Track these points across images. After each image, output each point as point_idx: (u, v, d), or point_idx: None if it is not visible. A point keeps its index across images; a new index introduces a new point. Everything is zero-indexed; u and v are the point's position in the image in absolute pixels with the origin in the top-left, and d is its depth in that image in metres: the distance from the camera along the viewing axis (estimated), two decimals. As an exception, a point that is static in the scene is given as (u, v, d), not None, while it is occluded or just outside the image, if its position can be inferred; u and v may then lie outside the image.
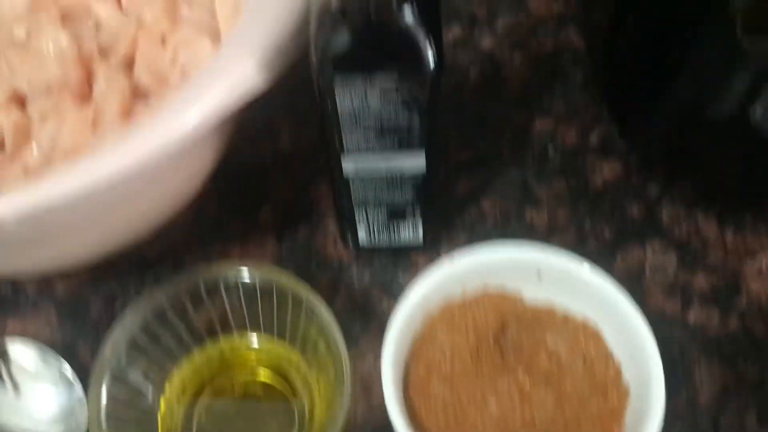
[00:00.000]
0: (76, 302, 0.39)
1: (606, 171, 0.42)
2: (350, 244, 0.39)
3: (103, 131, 0.36)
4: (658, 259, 0.39)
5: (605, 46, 0.42)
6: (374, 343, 0.37)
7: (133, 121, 0.36)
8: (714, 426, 0.35)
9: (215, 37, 0.39)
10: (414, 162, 0.33)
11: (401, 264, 0.40)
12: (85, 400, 0.33)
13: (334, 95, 0.29)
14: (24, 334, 0.38)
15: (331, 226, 0.41)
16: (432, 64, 0.28)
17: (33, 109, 0.38)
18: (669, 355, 0.36)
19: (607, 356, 0.32)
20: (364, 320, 0.38)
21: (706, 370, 0.36)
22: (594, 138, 0.43)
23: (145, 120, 0.28)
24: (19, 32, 0.38)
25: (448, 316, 0.32)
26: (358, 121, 0.30)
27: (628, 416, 0.30)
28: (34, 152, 0.37)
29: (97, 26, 0.40)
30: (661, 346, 0.35)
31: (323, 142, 0.32)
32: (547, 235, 0.40)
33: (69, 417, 0.34)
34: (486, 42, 0.48)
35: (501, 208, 0.41)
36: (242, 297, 0.34)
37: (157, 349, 0.34)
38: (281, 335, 0.35)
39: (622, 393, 0.31)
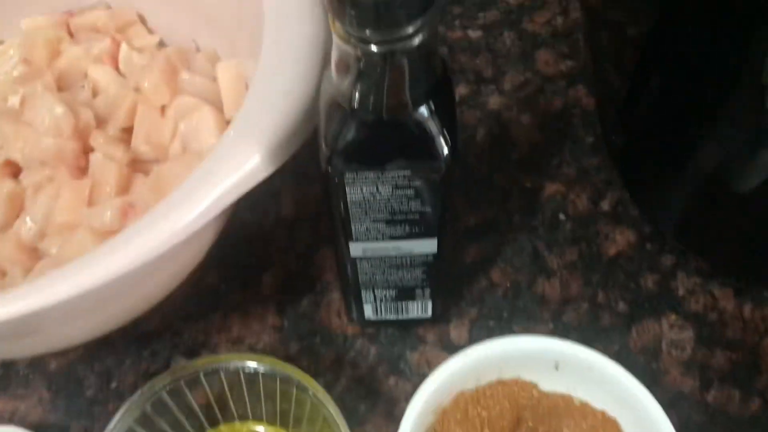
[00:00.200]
0: (69, 379, 0.38)
1: (619, 239, 0.41)
2: (355, 318, 0.38)
3: (101, 206, 0.35)
4: (674, 334, 0.38)
5: (620, 108, 0.41)
6: (381, 424, 0.36)
7: (131, 196, 0.35)
8: None
9: (216, 103, 0.38)
10: (426, 247, 0.31)
11: (408, 339, 0.38)
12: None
13: (345, 187, 0.28)
14: (14, 413, 0.37)
15: (335, 295, 0.40)
16: (447, 157, 0.27)
17: (27, 180, 0.37)
18: (689, 440, 0.35)
19: (626, 449, 0.31)
20: (370, 399, 0.37)
21: (727, 453, 0.35)
22: (606, 204, 0.42)
23: (147, 217, 0.26)
24: (13, 101, 0.37)
25: (462, 409, 0.31)
26: (368, 212, 0.29)
27: None
28: (27, 225, 0.36)
29: (94, 92, 0.39)
30: (681, 428, 0.34)
31: (331, 226, 0.31)
32: (560, 307, 0.39)
33: None
34: (493, 101, 0.46)
35: (511, 277, 0.40)
36: (244, 385, 0.32)
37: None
38: (284, 424, 0.33)
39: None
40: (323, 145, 0.27)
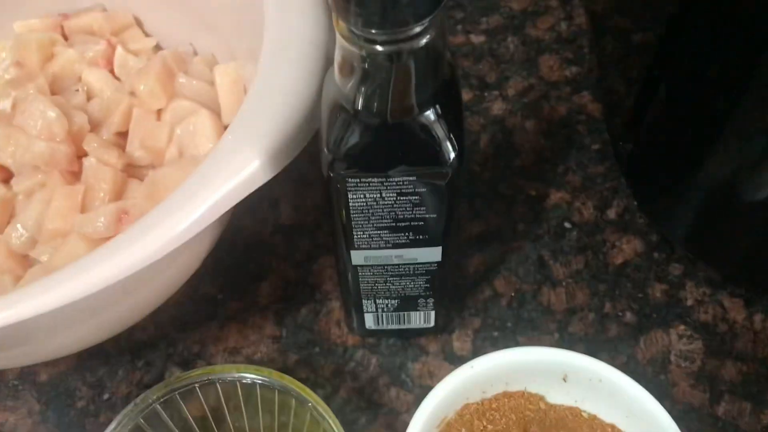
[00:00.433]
0: (60, 390, 0.36)
1: (626, 248, 0.40)
2: (356, 328, 0.37)
3: (94, 212, 0.34)
4: (683, 345, 0.37)
5: (628, 116, 0.40)
6: (382, 437, 0.35)
7: (126, 202, 0.34)
8: None
9: (214, 107, 0.37)
10: (429, 255, 0.30)
11: (410, 349, 0.37)
12: None
13: (347, 193, 0.27)
14: (3, 425, 0.35)
15: (335, 305, 0.39)
16: (453, 162, 0.26)
17: (18, 185, 0.36)
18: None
19: (636, 464, 0.30)
20: (371, 411, 0.35)
21: (737, 468, 0.34)
22: (612, 212, 0.41)
23: (142, 221, 0.25)
24: (5, 104, 0.36)
25: (467, 423, 0.29)
26: (371, 219, 0.28)
27: None
28: (18, 232, 0.35)
29: (89, 96, 0.38)
30: (691, 444, 0.33)
31: (332, 233, 0.30)
32: (566, 317, 0.38)
33: None
34: (497, 107, 0.46)
35: (516, 287, 0.39)
36: (241, 397, 0.31)
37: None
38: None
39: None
40: (325, 150, 0.26)
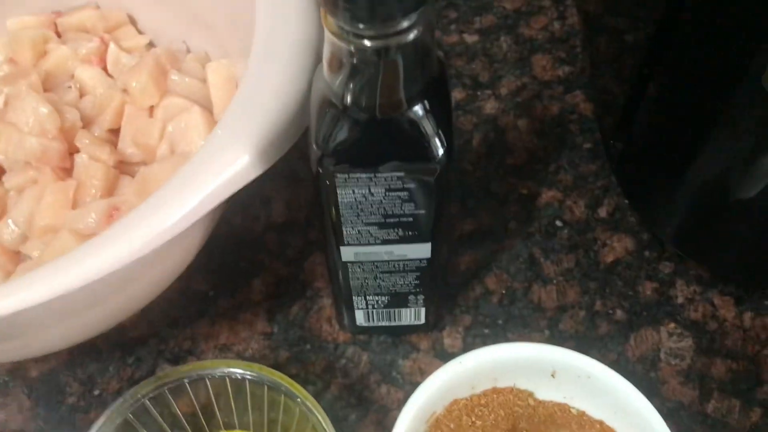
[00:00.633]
0: (51, 386, 0.36)
1: (617, 246, 0.40)
2: (347, 325, 0.37)
3: (85, 208, 0.34)
4: (673, 342, 0.37)
5: (619, 114, 0.40)
6: (372, 434, 0.35)
7: (117, 199, 0.34)
8: None
9: (206, 104, 0.37)
10: (419, 251, 0.30)
11: (401, 346, 0.37)
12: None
13: (335, 189, 0.27)
14: (-6, 421, 0.36)
15: (327, 302, 0.39)
16: (442, 158, 0.26)
17: (10, 182, 0.36)
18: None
19: (625, 460, 0.30)
20: (361, 408, 0.36)
21: (727, 466, 0.34)
22: (603, 211, 0.41)
23: (130, 215, 0.25)
24: (-3, 100, 0.36)
25: (455, 418, 0.30)
26: (360, 215, 0.28)
27: None
28: (9, 228, 0.35)
29: (82, 93, 0.38)
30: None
31: (322, 229, 0.30)
32: (557, 315, 0.38)
33: None
34: (489, 106, 0.46)
35: (507, 284, 0.39)
36: (230, 393, 0.31)
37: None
38: (272, 433, 0.32)
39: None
40: (314, 146, 0.26)
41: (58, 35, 0.41)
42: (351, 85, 0.25)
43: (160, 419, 0.31)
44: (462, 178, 0.43)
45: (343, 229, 0.29)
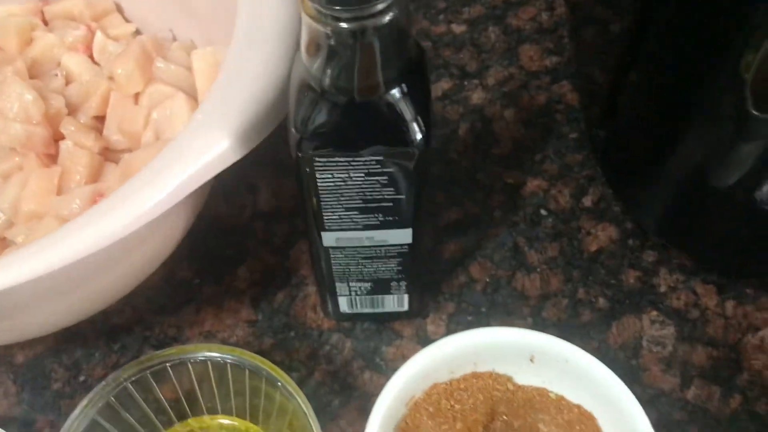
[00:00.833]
0: (36, 372, 0.37)
1: (600, 235, 0.40)
2: (331, 312, 0.37)
3: (70, 195, 0.34)
4: (655, 330, 0.37)
5: (603, 106, 0.40)
6: (354, 419, 0.35)
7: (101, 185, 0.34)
8: None
9: (191, 92, 0.37)
10: (400, 236, 0.31)
11: (385, 333, 0.37)
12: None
13: (315, 173, 0.27)
14: (-21, 407, 0.36)
15: (312, 290, 0.39)
16: (419, 140, 0.26)
17: (-5, 168, 0.36)
18: (669, 438, 0.34)
19: (603, 445, 0.30)
20: (345, 394, 0.36)
21: (707, 452, 0.34)
22: (588, 200, 0.41)
23: (110, 198, 0.26)
24: (-18, 87, 0.36)
25: (435, 402, 0.30)
26: (340, 199, 0.28)
27: None
28: (-6, 214, 0.35)
29: (68, 81, 0.38)
30: (660, 426, 0.33)
31: (304, 215, 0.30)
32: (540, 302, 0.38)
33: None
34: (476, 96, 0.46)
35: (491, 272, 0.39)
36: (212, 377, 0.31)
37: (121, 429, 0.31)
38: (254, 418, 0.32)
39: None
40: (293, 129, 0.26)
41: (45, 23, 0.41)
42: (329, 69, 0.25)
43: (142, 403, 0.31)
44: (448, 167, 0.43)
45: (324, 213, 0.29)
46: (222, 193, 0.41)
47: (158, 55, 0.38)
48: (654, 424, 0.29)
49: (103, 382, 0.30)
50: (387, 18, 0.23)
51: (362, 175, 0.27)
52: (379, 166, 0.27)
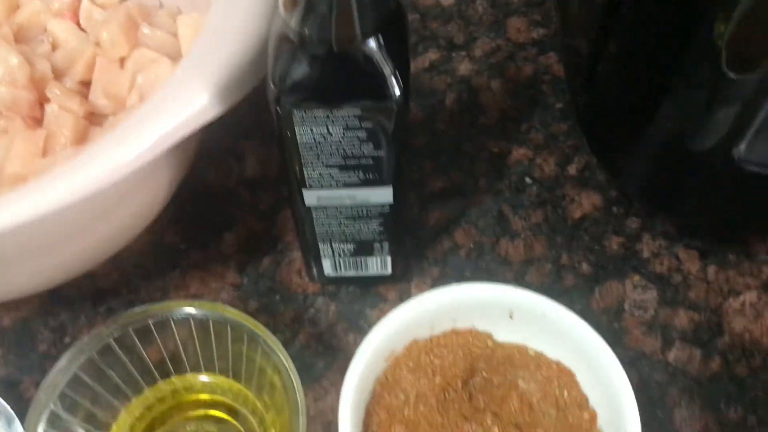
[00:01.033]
0: (22, 334, 0.37)
1: (585, 203, 0.41)
2: (315, 275, 0.37)
3: (54, 157, 0.34)
4: (637, 295, 0.38)
5: (585, 74, 0.40)
6: (338, 380, 0.35)
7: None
8: (695, 474, 0.33)
9: (176, 57, 0.37)
10: (381, 196, 0.31)
11: (369, 296, 0.38)
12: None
13: (294, 128, 0.27)
14: (-34, 368, 0.36)
15: (297, 255, 0.39)
16: (398, 95, 0.26)
17: (-20, 131, 0.36)
18: (649, 396, 0.34)
19: (581, 401, 0.30)
20: (329, 356, 0.36)
21: (687, 412, 0.34)
22: (573, 168, 0.42)
23: (89, 148, 0.26)
24: (-32, 50, 0.36)
25: (414, 357, 0.30)
26: (320, 155, 0.28)
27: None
28: (-20, 176, 0.35)
29: (54, 47, 0.38)
30: (641, 387, 0.34)
31: (286, 175, 0.30)
32: (523, 267, 0.38)
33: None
34: (463, 67, 0.46)
35: (475, 239, 0.40)
36: (195, 335, 0.32)
37: (104, 386, 0.31)
38: (236, 375, 0.32)
39: (598, 440, 0.29)
40: (271, 84, 0.27)
41: (32, -10, 0.41)
42: (306, 19, 0.25)
43: (125, 360, 0.31)
44: (435, 136, 0.43)
45: (305, 171, 0.29)
46: (209, 160, 0.41)
47: (144, 21, 0.38)
48: (635, 386, 0.29)
49: (86, 337, 0.30)
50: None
51: (341, 130, 0.28)
52: (357, 121, 0.27)
